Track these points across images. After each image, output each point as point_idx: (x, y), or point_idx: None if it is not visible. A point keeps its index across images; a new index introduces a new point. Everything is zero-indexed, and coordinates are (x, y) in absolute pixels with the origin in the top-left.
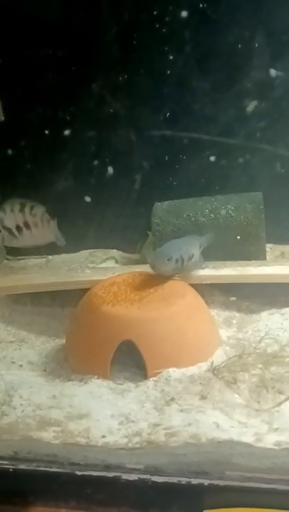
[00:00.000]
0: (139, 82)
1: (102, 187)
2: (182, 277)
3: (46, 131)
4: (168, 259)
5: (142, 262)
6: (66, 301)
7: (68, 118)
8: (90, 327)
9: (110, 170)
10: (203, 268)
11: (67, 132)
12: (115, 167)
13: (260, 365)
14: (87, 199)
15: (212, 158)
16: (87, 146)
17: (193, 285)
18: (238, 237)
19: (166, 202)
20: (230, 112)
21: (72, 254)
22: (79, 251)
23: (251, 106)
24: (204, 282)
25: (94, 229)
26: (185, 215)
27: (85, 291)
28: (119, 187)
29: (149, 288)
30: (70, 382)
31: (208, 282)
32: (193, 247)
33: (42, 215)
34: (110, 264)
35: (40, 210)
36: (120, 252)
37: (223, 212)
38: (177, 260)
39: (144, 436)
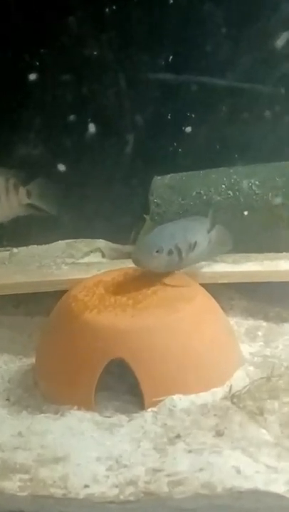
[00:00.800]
0: (131, 13)
1: (81, 152)
2: (189, 275)
3: (7, 79)
4: (157, 251)
5: None
6: (36, 307)
7: (37, 62)
8: (68, 342)
9: (92, 128)
10: (215, 262)
11: (33, 78)
12: (99, 125)
13: None
14: (61, 168)
15: (229, 113)
16: (61, 98)
17: (204, 285)
18: (265, 222)
19: (168, 175)
20: (254, 47)
21: (45, 246)
22: (53, 242)
23: (282, 39)
24: (220, 282)
25: (72, 211)
26: (194, 193)
27: (61, 294)
28: (104, 153)
29: (147, 289)
30: (42, 415)
31: (225, 281)
32: (195, 232)
33: (6, 181)
34: (95, 258)
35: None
36: (108, 242)
37: (244, 187)
38: (171, 252)
39: (140, 485)
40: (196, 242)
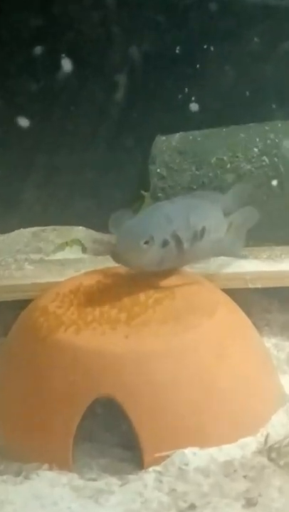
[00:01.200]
0: None
1: (51, 100)
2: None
3: None
4: (146, 242)
5: None
6: None
7: None
8: (35, 373)
9: (67, 65)
10: (242, 258)
11: None
12: (76, 58)
13: None
14: (24, 124)
15: (265, 44)
16: (22, 23)
17: (229, 292)
18: None
19: (176, 134)
20: None
21: (1, 237)
22: (13, 230)
23: None
24: (251, 286)
25: (39, 187)
26: (214, 160)
27: (24, 304)
28: (84, 101)
29: (146, 297)
30: None
31: (259, 286)
32: (204, 215)
33: None
34: (72, 253)
35: None
36: (90, 231)
37: (286, 151)
38: (166, 242)
39: None
40: (204, 229)
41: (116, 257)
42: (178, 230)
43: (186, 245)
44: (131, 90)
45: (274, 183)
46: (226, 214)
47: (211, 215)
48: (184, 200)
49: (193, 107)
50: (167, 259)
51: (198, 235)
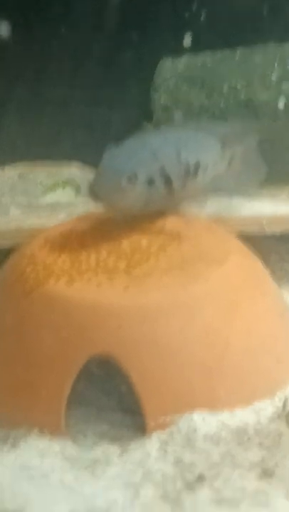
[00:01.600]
0: None
1: (37, 8)
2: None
3: None
4: (128, 180)
5: None
6: None
7: None
8: (23, 330)
9: None
10: (257, 198)
11: None
12: None
13: None
14: (2, 32)
15: None
16: None
17: (242, 238)
18: None
19: (183, 56)
20: None
21: None
22: None
23: None
24: (267, 231)
25: (25, 119)
26: (226, 87)
27: (9, 253)
28: (77, 18)
29: (149, 244)
30: None
31: (278, 231)
32: (198, 148)
33: None
34: (65, 196)
35: None
36: (87, 169)
37: None
38: (152, 181)
39: None
40: (198, 164)
41: (94, 196)
42: (166, 167)
43: (176, 183)
44: (130, 5)
45: None
46: (227, 147)
47: (207, 150)
48: (175, 133)
49: (203, 25)
50: (154, 200)
51: (191, 171)
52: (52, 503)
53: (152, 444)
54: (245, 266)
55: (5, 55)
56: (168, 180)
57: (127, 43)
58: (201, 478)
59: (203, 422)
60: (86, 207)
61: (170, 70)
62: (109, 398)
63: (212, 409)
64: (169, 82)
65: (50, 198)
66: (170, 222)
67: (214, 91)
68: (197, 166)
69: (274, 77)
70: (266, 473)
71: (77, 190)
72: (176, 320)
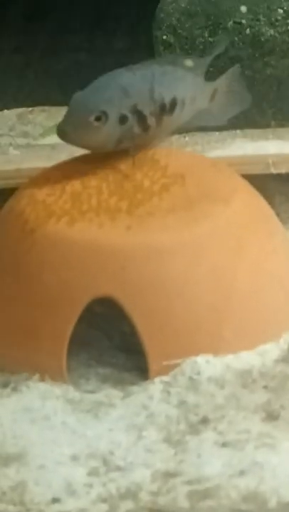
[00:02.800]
0: None
1: None
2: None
3: None
4: (97, 118)
5: None
6: None
7: None
8: (22, 271)
9: None
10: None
11: None
12: None
13: None
14: None
15: None
16: None
17: (248, 178)
18: None
19: None
20: None
21: None
22: None
23: None
24: (274, 171)
25: (22, 58)
26: (230, 24)
27: (8, 194)
28: None
29: (152, 183)
30: None
31: (283, 171)
32: (174, 82)
33: None
34: None
35: None
36: None
37: None
38: (124, 118)
39: (143, 498)
40: (174, 100)
41: (62, 135)
42: (139, 104)
43: (150, 121)
44: None
45: None
46: (209, 80)
47: (184, 84)
48: (148, 68)
49: None
50: (128, 138)
51: (167, 108)
52: (54, 446)
53: (155, 386)
54: (251, 205)
55: None
56: (141, 118)
57: None
58: (204, 421)
59: (207, 364)
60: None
61: (172, 5)
62: (112, 341)
63: (216, 351)
64: (172, 18)
65: (50, 139)
66: (173, 162)
67: (218, 27)
68: (174, 103)
69: (280, 12)
70: (271, 416)
71: None
72: (180, 260)
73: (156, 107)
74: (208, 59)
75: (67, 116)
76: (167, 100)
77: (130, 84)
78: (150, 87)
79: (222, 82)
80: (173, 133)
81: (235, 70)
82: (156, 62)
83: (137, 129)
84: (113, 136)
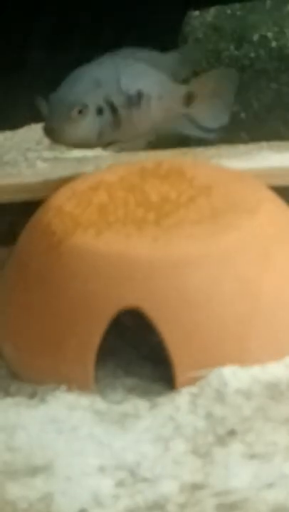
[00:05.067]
0: None
1: None
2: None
3: None
4: (80, 111)
5: (162, 141)
6: None
7: None
8: (50, 283)
9: None
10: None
11: None
12: None
13: None
14: None
15: None
16: None
17: (274, 190)
18: None
19: (212, 8)
20: None
21: (9, 134)
22: (22, 126)
23: None
24: None
25: (56, 76)
26: (256, 37)
27: (36, 206)
28: None
29: (179, 194)
30: (10, 400)
31: None
32: (140, 75)
33: None
34: (92, 150)
35: None
36: None
37: None
38: (100, 110)
39: (170, 510)
40: (140, 93)
41: (50, 134)
42: (110, 94)
43: (122, 112)
44: None
45: None
46: (178, 80)
47: (148, 78)
48: (112, 60)
49: None
50: (105, 131)
51: (134, 100)
52: (81, 457)
53: (182, 397)
54: (277, 216)
55: None
56: (114, 109)
57: None
58: (232, 433)
59: (234, 376)
60: (114, 160)
61: (198, 20)
62: (139, 351)
63: (243, 363)
64: (198, 32)
65: (77, 152)
66: (200, 173)
67: (244, 40)
68: (140, 95)
69: None
70: None
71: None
72: (207, 271)
73: (124, 98)
74: (174, 57)
75: (51, 116)
76: (133, 92)
77: (100, 76)
78: (117, 78)
79: (200, 85)
80: (145, 133)
81: (220, 72)
82: (117, 55)
83: (111, 121)
84: (94, 129)
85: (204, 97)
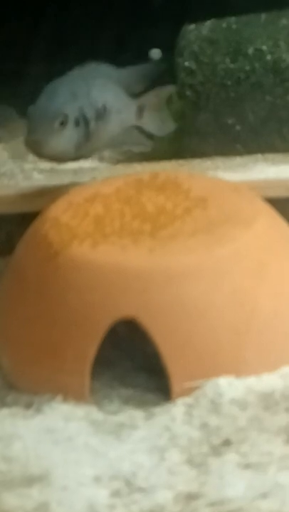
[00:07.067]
0: None
1: None
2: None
3: None
4: (61, 123)
5: (159, 152)
6: None
7: None
8: (46, 293)
9: None
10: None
11: None
12: None
13: None
14: None
15: None
16: None
17: (269, 202)
18: None
19: (207, 22)
20: None
21: (5, 145)
22: (19, 136)
23: None
24: None
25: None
26: (251, 51)
27: (32, 217)
28: None
29: (174, 206)
30: (6, 411)
31: None
32: (104, 89)
33: None
34: (88, 161)
35: None
36: None
37: None
38: (77, 122)
39: None
40: (104, 107)
41: (32, 145)
42: (84, 106)
43: (92, 124)
44: None
45: None
46: (131, 95)
47: (111, 92)
48: (83, 74)
49: None
50: (80, 144)
51: (100, 113)
52: (77, 467)
53: (178, 408)
54: (273, 228)
55: None
56: (86, 122)
57: (150, 11)
58: (227, 443)
59: (229, 386)
60: (109, 172)
61: (194, 33)
62: (135, 362)
63: (238, 373)
64: (193, 45)
65: (73, 164)
66: (196, 185)
67: (239, 53)
68: (104, 109)
69: None
70: None
71: (100, 156)
72: (202, 282)
73: (94, 111)
74: (130, 72)
75: (32, 129)
76: (100, 105)
77: (74, 89)
78: (88, 92)
79: (149, 99)
80: (105, 145)
81: (163, 89)
82: (85, 69)
83: (84, 133)
84: (72, 141)
85: (153, 109)
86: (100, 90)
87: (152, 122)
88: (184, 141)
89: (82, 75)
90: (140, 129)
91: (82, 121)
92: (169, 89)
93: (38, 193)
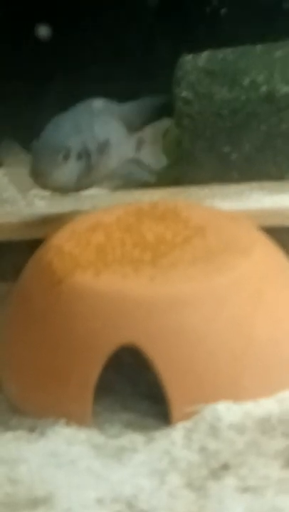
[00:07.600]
0: None
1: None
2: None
3: None
4: (64, 156)
5: (157, 180)
6: None
7: None
8: (50, 320)
9: None
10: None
11: None
12: None
13: None
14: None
15: None
16: None
17: (265, 230)
18: None
19: (204, 53)
20: None
21: (5, 171)
22: (22, 168)
23: None
24: None
25: (49, 109)
26: (247, 82)
27: (35, 245)
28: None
29: (174, 235)
30: (10, 434)
31: None
32: (106, 125)
33: None
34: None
35: None
36: None
37: None
38: (80, 156)
39: None
40: (107, 142)
41: (36, 176)
42: (87, 140)
43: (94, 158)
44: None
45: None
46: (131, 129)
47: (112, 127)
48: (88, 108)
49: (223, 20)
50: (82, 176)
51: (102, 147)
52: (80, 490)
53: (177, 432)
54: (269, 257)
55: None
56: (88, 155)
57: (148, 42)
58: (225, 467)
59: (227, 411)
60: (109, 198)
61: (191, 64)
62: (136, 387)
63: (236, 399)
64: (191, 76)
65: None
66: (194, 214)
67: (235, 84)
68: (106, 144)
69: None
70: None
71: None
72: (201, 310)
73: (96, 145)
74: (130, 106)
75: (37, 161)
76: (102, 140)
77: (78, 123)
78: (91, 126)
79: (148, 133)
80: (105, 177)
81: (161, 123)
82: (90, 104)
83: (86, 166)
84: (74, 174)
85: (150, 143)
86: (102, 125)
87: (150, 155)
88: (182, 169)
89: (85, 110)
90: (138, 162)
91: (84, 154)
92: (166, 124)
93: (40, 220)
